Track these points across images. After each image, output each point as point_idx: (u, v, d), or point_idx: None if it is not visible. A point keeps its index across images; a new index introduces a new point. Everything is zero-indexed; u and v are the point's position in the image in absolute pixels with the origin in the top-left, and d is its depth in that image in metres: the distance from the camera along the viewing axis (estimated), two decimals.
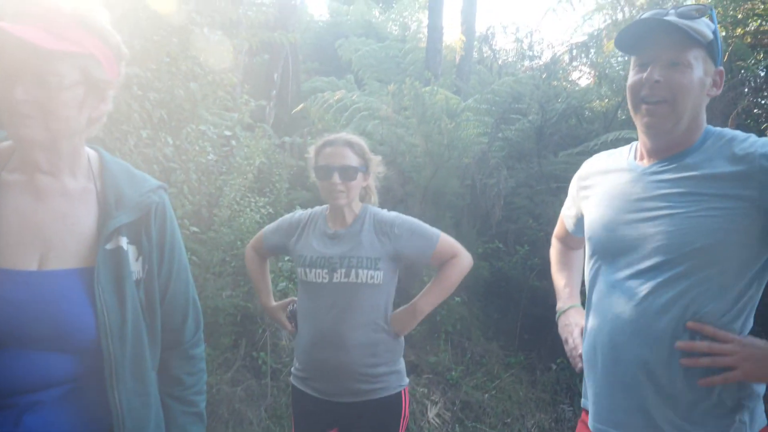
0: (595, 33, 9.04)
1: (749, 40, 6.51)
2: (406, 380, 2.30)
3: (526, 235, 6.68)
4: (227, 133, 5.83)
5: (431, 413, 5.30)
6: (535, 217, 6.70)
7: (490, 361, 6.05)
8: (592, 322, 1.59)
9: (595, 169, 1.73)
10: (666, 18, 1.39)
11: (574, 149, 6.48)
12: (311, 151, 2.34)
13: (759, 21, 6.81)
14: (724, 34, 6.67)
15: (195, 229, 4.75)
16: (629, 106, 1.53)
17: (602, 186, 1.64)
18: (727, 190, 1.35)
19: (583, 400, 1.69)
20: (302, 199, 6.43)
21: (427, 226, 2.28)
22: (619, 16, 8.43)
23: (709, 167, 1.40)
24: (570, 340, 1.78)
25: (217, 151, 5.61)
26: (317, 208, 2.41)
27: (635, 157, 1.60)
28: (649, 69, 1.40)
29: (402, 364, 2.28)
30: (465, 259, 2.29)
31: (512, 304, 6.53)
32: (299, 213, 2.42)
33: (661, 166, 1.49)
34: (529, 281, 6.40)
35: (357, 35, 11.48)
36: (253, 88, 8.46)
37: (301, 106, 7.50)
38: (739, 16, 6.79)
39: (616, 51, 8.09)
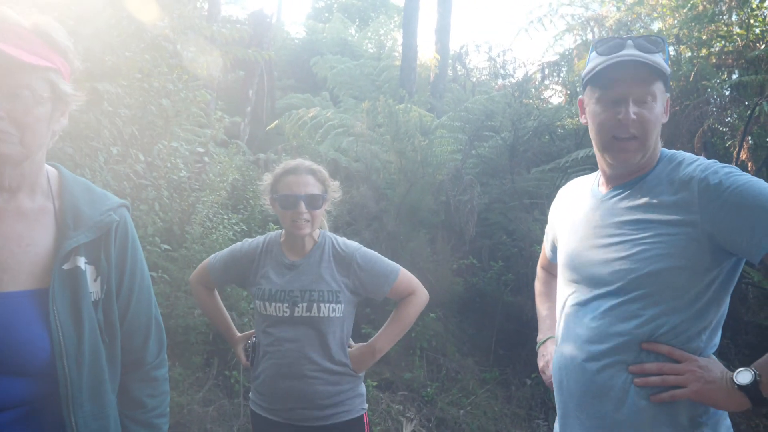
0: (566, 52, 9.26)
1: (714, 60, 6.72)
2: (366, 405, 2.28)
3: (500, 251, 6.74)
4: (200, 149, 5.79)
5: (407, 430, 5.27)
6: (509, 232, 6.76)
7: (465, 377, 6.05)
8: (558, 345, 1.64)
9: (565, 197, 1.79)
10: (636, 56, 1.43)
11: (546, 166, 6.59)
12: (268, 178, 2.27)
13: (723, 42, 7.04)
14: (689, 54, 6.88)
15: (166, 246, 4.69)
16: (597, 140, 1.53)
17: (570, 213, 1.69)
18: (671, 215, 1.39)
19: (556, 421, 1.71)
20: (276, 216, 6.40)
21: (387, 261, 2.25)
22: (589, 36, 8.64)
23: (656, 194, 1.44)
24: (547, 371, 1.81)
25: (190, 168, 5.57)
26: (270, 235, 2.33)
27: (598, 184, 1.65)
28: (623, 107, 1.42)
29: (363, 388, 2.27)
30: (421, 296, 2.32)
31: (487, 319, 6.55)
32: (249, 242, 2.32)
33: (617, 193, 1.53)
34: (503, 297, 6.44)
35: (332, 53, 11.55)
36: (228, 104, 8.44)
37: (275, 122, 7.50)
38: (704, 37, 7.01)
39: None
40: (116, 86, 4.53)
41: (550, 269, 2.01)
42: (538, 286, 2.06)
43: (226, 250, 2.36)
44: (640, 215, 1.44)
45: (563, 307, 1.63)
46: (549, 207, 6.03)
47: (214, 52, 6.74)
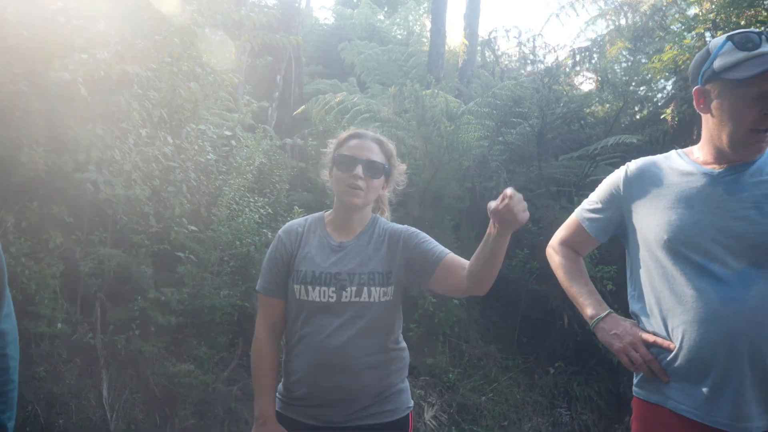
0: (598, 38, 9.07)
1: None
2: (412, 401, 2.08)
3: (525, 239, 6.67)
4: (227, 133, 5.85)
5: (428, 415, 5.29)
6: (535, 220, 6.69)
7: (487, 364, 6.04)
8: (693, 322, 1.56)
9: (651, 173, 1.73)
10: None
11: (574, 153, 6.49)
12: (332, 142, 2.08)
13: (762, 27, 6.80)
14: None
15: (193, 228, 4.77)
16: (730, 131, 1.57)
17: (670, 189, 1.66)
18: None
19: (672, 402, 1.62)
20: (303, 200, 6.44)
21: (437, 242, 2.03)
22: (622, 21, 8.44)
23: None
24: (635, 353, 1.66)
25: (217, 151, 5.64)
26: (311, 216, 2.13)
27: (698, 163, 1.68)
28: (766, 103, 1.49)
29: (407, 382, 2.07)
30: None
31: (511, 307, 6.52)
32: (282, 231, 2.08)
33: (737, 170, 1.60)
34: (528, 285, 6.39)
35: (361, 39, 11.50)
36: (256, 89, 8.49)
37: (302, 107, 7.52)
38: (742, 22, 6.78)
39: (619, 57, 8.10)
40: (146, 69, 4.59)
41: (580, 247, 1.93)
42: (563, 262, 1.91)
43: (263, 263, 2.09)
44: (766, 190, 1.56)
45: (672, 283, 1.60)
46: (576, 195, 5.89)
47: (242, 37, 6.78)
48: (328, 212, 2.09)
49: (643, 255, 1.68)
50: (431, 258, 1.92)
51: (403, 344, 2.06)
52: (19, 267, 3.79)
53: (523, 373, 6.09)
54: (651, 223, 1.65)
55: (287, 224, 2.11)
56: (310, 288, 1.92)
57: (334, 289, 1.91)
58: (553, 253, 1.95)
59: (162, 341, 4.43)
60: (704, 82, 1.61)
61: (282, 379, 2.03)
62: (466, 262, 1.85)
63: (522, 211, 1.55)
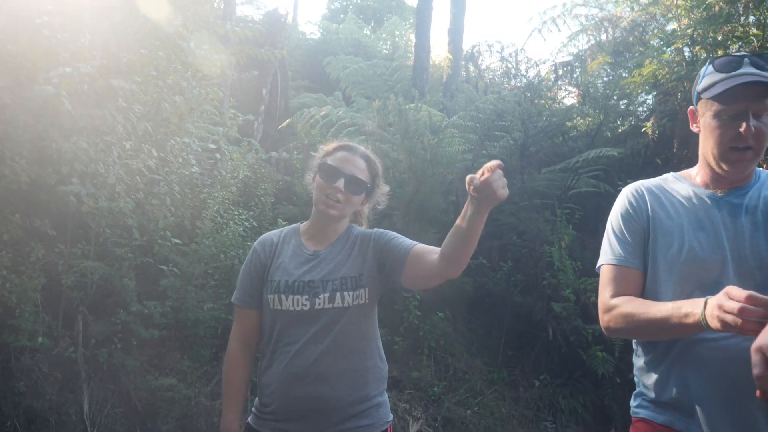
0: (580, 53, 9.23)
1: None
2: (391, 415, 2.02)
3: (509, 251, 6.73)
4: (212, 146, 5.86)
5: (413, 429, 5.28)
6: (519, 233, 6.75)
7: (473, 377, 6.04)
8: (720, 339, 1.51)
9: (655, 196, 1.74)
10: (755, 74, 1.54)
11: (556, 166, 6.57)
12: (321, 149, 2.07)
13: (739, 43, 6.96)
14: (704, 55, 6.82)
15: (177, 240, 4.76)
16: (713, 150, 1.63)
17: (679, 212, 1.69)
18: None
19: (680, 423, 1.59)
20: (288, 213, 6.45)
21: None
22: (603, 37, 8.60)
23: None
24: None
25: (202, 164, 5.64)
26: (286, 227, 2.13)
27: (700, 186, 1.72)
28: (744, 122, 1.54)
29: (386, 395, 2.01)
30: None
31: (496, 320, 6.54)
32: (258, 243, 2.08)
33: (739, 193, 1.66)
34: (512, 297, 6.42)
35: (346, 53, 11.60)
36: (242, 103, 8.52)
37: (287, 121, 7.55)
38: (719, 37, 6.94)
39: (601, 71, 8.24)
40: (131, 83, 4.61)
41: (633, 288, 1.68)
42: (627, 303, 1.63)
43: (239, 275, 2.09)
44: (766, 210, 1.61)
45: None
46: (559, 207, 5.91)
47: (228, 51, 6.81)
48: (304, 222, 2.10)
49: (655, 276, 1.66)
50: (400, 252, 1.89)
51: (382, 355, 2.02)
52: (0, 280, 3.76)
53: (508, 386, 6.09)
54: (665, 246, 1.65)
55: (262, 236, 2.12)
56: (283, 297, 1.90)
57: (307, 297, 1.89)
58: (611, 311, 1.66)
59: (144, 355, 4.39)
60: (696, 102, 1.70)
61: (258, 393, 2.00)
62: (436, 249, 1.81)
63: (501, 187, 1.54)
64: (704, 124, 1.65)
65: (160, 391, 4.24)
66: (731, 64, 1.58)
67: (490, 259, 6.71)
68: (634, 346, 1.75)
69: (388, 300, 5.94)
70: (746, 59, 1.57)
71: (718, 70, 1.60)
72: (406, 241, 1.94)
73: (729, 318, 1.28)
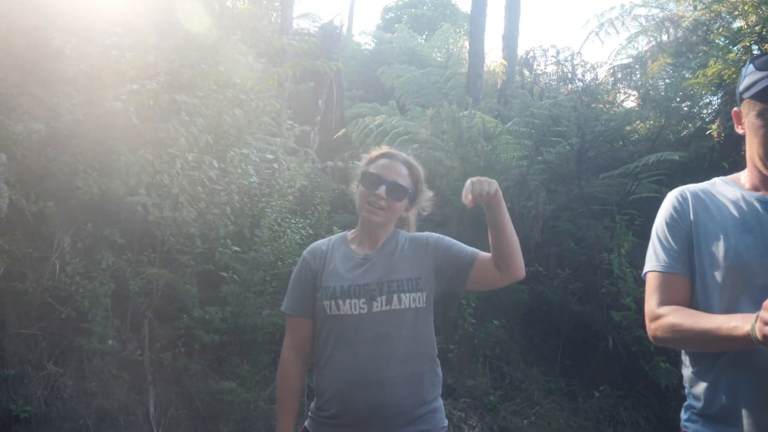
0: (640, 55, 8.96)
1: None
2: (446, 421, 2.03)
3: (567, 259, 6.59)
4: (270, 156, 6.03)
5: None
6: (577, 240, 6.60)
7: (529, 387, 5.94)
8: (756, 354, 1.46)
9: (701, 200, 1.70)
10: None
11: (615, 171, 6.40)
12: (364, 158, 2.11)
13: None
14: None
15: (237, 248, 4.91)
16: (759, 151, 1.59)
17: (726, 215, 1.64)
18: None
19: None
20: (343, 221, 6.55)
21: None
22: (664, 37, 8.33)
23: None
24: None
25: (260, 174, 5.81)
26: (333, 236, 2.16)
27: (749, 189, 1.67)
28: None
29: (441, 401, 2.02)
30: None
31: (553, 328, 6.41)
32: (307, 252, 2.10)
33: None
34: (570, 306, 6.28)
35: (400, 62, 11.69)
36: (298, 113, 8.72)
37: (342, 131, 7.68)
38: None
39: (662, 73, 7.98)
40: (193, 97, 4.82)
41: (676, 301, 1.63)
42: (675, 313, 1.59)
43: (289, 284, 2.10)
44: None
45: (750, 308, 1.49)
46: (618, 213, 5.76)
47: (285, 64, 7.01)
48: (352, 231, 2.14)
49: (704, 283, 1.61)
50: (464, 261, 1.95)
51: (437, 360, 2.03)
52: (73, 286, 4.00)
53: (566, 396, 5.96)
54: (710, 250, 1.60)
55: (311, 245, 2.16)
56: (340, 302, 1.91)
57: (364, 300, 1.90)
58: (657, 320, 1.62)
59: (206, 359, 4.55)
60: (739, 103, 1.64)
61: (315, 399, 2.01)
62: None
63: (486, 189, 1.72)
64: (748, 124, 1.59)
65: (220, 394, 4.38)
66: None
67: (546, 266, 6.59)
68: (683, 357, 1.69)
69: (443, 307, 5.92)
70: None
71: (758, 68, 1.55)
72: (466, 248, 1.99)
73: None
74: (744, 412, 1.49)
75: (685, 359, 1.68)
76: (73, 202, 4.10)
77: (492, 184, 1.75)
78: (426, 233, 2.07)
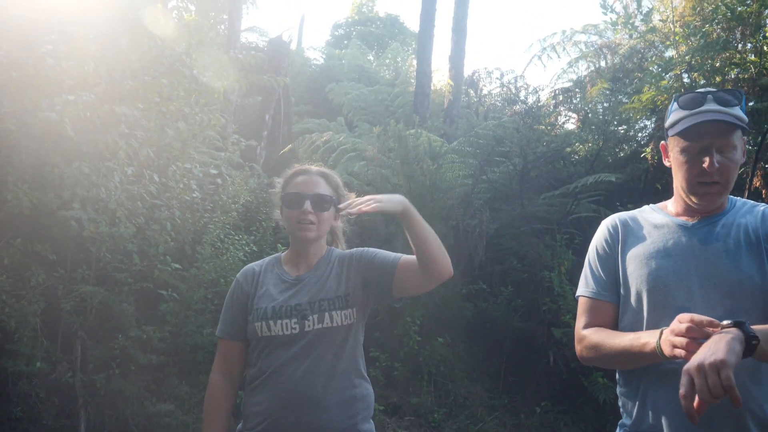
0: (580, 79, 9.32)
1: (729, 87, 6.70)
2: None
3: (510, 276, 6.72)
4: (214, 171, 5.91)
5: None
6: (520, 258, 6.75)
7: (473, 404, 5.99)
8: (676, 373, 1.43)
9: (629, 227, 1.77)
10: (717, 111, 1.57)
11: (556, 191, 6.60)
12: (279, 182, 2.12)
13: (736, 69, 7.03)
14: (702, 81, 6.88)
15: (177, 266, 4.77)
16: (683, 184, 1.66)
17: (648, 240, 1.70)
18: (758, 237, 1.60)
19: None
20: (288, 239, 6.46)
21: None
22: (602, 63, 8.69)
23: (744, 222, 1.64)
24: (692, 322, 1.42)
25: (203, 189, 5.69)
26: (267, 258, 2.15)
27: (674, 215, 1.74)
28: (708, 157, 1.57)
29: (373, 424, 2.02)
30: None
31: (497, 345, 6.51)
32: (240, 275, 2.11)
33: (709, 223, 1.66)
34: (513, 322, 6.40)
35: (349, 79, 11.74)
36: (246, 128, 8.61)
37: (289, 146, 7.63)
38: (717, 64, 7.02)
39: (600, 97, 8.32)
40: (134, 109, 4.67)
41: (602, 324, 1.72)
42: (596, 334, 1.69)
43: (223, 308, 2.11)
44: (738, 238, 1.61)
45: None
46: (559, 232, 5.90)
47: (231, 77, 6.91)
48: (285, 252, 2.13)
49: (629, 306, 1.68)
50: (387, 266, 1.96)
51: (367, 378, 2.04)
52: None
53: (509, 412, 6.04)
54: (635, 274, 1.67)
55: (244, 267, 2.15)
56: (271, 323, 1.91)
57: (296, 320, 1.91)
58: (582, 342, 1.73)
59: (142, 380, 4.38)
60: (666, 137, 1.73)
61: (241, 422, 1.98)
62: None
63: (365, 206, 1.78)
64: (673, 158, 1.68)
65: (157, 417, 4.22)
66: (695, 101, 1.61)
67: (490, 284, 6.70)
68: (617, 376, 1.76)
69: (388, 325, 5.91)
70: (710, 96, 1.59)
71: (682, 107, 1.63)
72: (389, 255, 2.00)
73: (677, 341, 1.35)
74: (668, 429, 1.54)
75: (619, 378, 1.75)
76: (1, 215, 3.88)
77: (369, 204, 1.80)
78: (353, 249, 2.09)
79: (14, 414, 3.83)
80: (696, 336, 1.33)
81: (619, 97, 7.64)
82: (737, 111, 1.59)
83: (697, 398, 1.23)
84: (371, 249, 2.06)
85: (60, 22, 4.46)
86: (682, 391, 1.25)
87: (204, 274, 4.90)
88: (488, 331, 6.56)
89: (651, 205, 1.83)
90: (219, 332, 2.07)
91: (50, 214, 4.05)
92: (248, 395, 1.96)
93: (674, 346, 1.37)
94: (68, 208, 4.05)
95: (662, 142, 1.77)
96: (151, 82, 4.89)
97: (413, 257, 1.91)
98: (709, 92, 1.60)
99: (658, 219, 1.74)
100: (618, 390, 1.75)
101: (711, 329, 1.34)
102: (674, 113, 1.66)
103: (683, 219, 1.70)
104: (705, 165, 1.56)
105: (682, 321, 1.38)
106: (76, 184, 4.06)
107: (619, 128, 7.76)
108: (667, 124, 1.69)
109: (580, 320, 1.77)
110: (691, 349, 1.32)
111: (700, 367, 1.23)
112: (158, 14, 5.39)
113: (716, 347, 1.26)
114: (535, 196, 6.85)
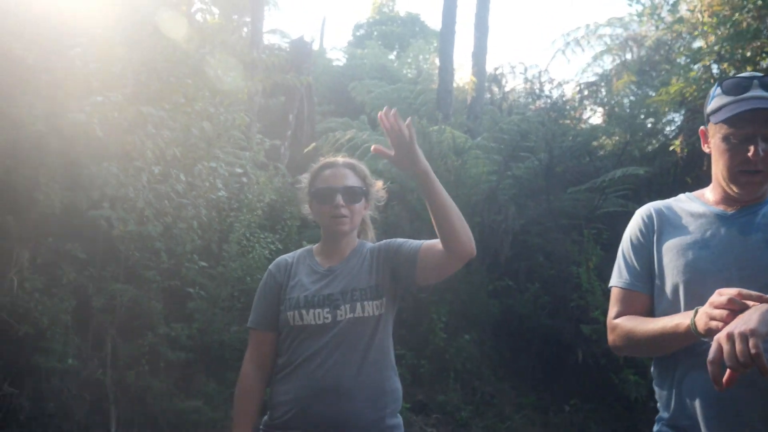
0: (605, 73, 9.19)
1: None
2: None
3: (536, 273, 6.65)
4: (239, 170, 5.96)
5: None
6: (546, 254, 6.67)
7: (501, 402, 5.94)
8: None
9: (664, 216, 1.72)
10: (764, 97, 1.51)
11: (582, 185, 6.50)
12: (305, 177, 2.10)
13: None
14: (733, 72, 6.72)
15: (204, 263, 4.82)
16: (723, 172, 1.61)
17: (686, 231, 1.65)
18: None
19: None
20: (314, 236, 6.48)
21: None
22: (628, 56, 8.55)
23: None
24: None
25: (229, 188, 5.73)
26: (299, 250, 2.15)
27: (712, 204, 1.68)
28: (753, 146, 1.52)
29: (401, 418, 2.00)
30: None
31: (523, 342, 6.44)
32: (273, 265, 2.11)
33: (750, 211, 1.61)
34: (540, 319, 6.33)
35: (371, 78, 11.74)
36: (269, 128, 8.66)
37: (312, 145, 7.65)
38: (748, 54, 6.84)
39: (626, 90, 8.19)
40: (160, 109, 4.73)
41: (638, 308, 1.68)
42: (628, 322, 1.66)
43: (255, 298, 2.10)
44: None
45: None
46: (586, 227, 5.82)
47: (255, 78, 6.97)
48: (317, 245, 2.13)
49: (664, 298, 1.64)
50: (411, 252, 1.92)
51: (396, 372, 2.03)
52: (32, 302, 3.85)
53: (537, 410, 5.97)
54: (669, 265, 1.63)
55: (277, 258, 2.15)
56: (303, 312, 1.92)
57: (328, 309, 1.91)
58: (614, 330, 1.69)
59: (171, 377, 4.43)
60: (706, 123, 1.67)
61: (267, 413, 1.97)
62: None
63: (405, 128, 1.73)
64: (714, 145, 1.62)
65: (186, 413, 4.26)
66: (739, 87, 1.54)
67: (517, 280, 6.63)
68: (652, 370, 1.71)
69: (413, 322, 5.89)
70: (756, 81, 1.52)
71: (726, 92, 1.57)
72: (413, 242, 1.97)
73: (716, 313, 1.32)
74: (704, 422, 1.49)
75: (653, 370, 1.70)
76: (33, 215, 3.96)
77: (410, 130, 1.77)
78: (381, 241, 2.08)
79: (47, 410, 3.90)
80: (736, 308, 1.30)
81: (646, 89, 7.50)
82: None
83: (728, 370, 1.21)
84: (398, 239, 2.04)
85: (87, 26, 4.54)
86: (710, 357, 1.23)
87: (230, 272, 4.94)
88: (515, 328, 6.50)
89: (687, 193, 1.77)
90: (251, 323, 2.06)
91: (80, 214, 4.11)
92: (276, 384, 1.96)
93: (712, 319, 1.33)
94: (98, 207, 4.11)
95: (702, 127, 1.70)
96: (176, 83, 4.95)
97: (435, 240, 1.87)
98: (755, 77, 1.52)
99: (695, 208, 1.68)
100: (654, 383, 1.70)
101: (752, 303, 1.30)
102: (717, 98, 1.59)
103: (722, 208, 1.64)
104: (750, 154, 1.50)
105: (723, 294, 1.34)
106: (105, 184, 4.12)
107: (647, 121, 7.63)
108: (708, 109, 1.62)
109: (612, 310, 1.73)
110: (728, 321, 1.28)
111: (730, 335, 1.22)
112: (181, 17, 5.46)
113: (749, 317, 1.24)
114: (561, 192, 6.77)
